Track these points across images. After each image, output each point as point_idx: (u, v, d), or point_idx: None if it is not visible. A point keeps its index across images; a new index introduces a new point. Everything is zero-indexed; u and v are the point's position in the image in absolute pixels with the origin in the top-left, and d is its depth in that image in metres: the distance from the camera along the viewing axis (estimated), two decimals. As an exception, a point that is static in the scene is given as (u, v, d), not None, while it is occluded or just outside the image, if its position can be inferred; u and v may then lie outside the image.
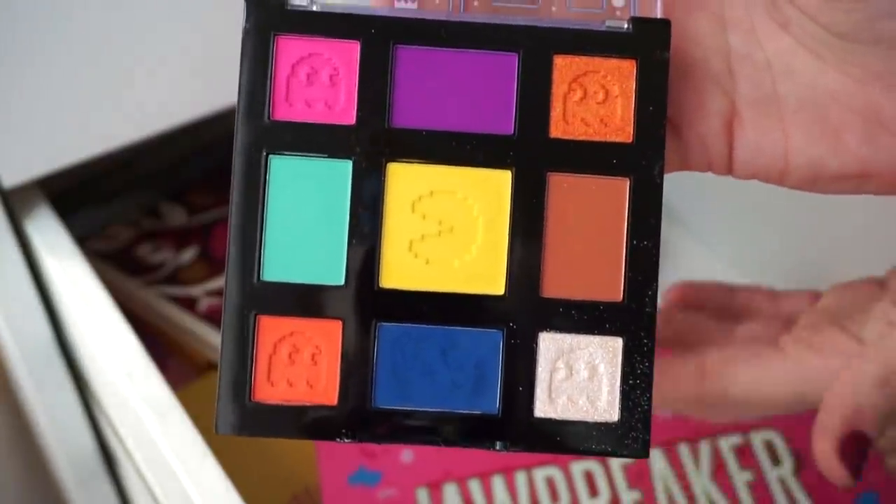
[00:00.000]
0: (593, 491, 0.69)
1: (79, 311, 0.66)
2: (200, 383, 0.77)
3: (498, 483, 0.69)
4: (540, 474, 0.69)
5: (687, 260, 0.88)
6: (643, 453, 0.42)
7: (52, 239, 0.69)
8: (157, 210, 0.88)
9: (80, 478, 0.83)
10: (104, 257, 0.83)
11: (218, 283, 0.82)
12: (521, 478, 0.69)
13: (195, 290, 0.82)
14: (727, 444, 0.71)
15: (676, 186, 0.85)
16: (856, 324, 0.55)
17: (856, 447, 0.51)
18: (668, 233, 0.87)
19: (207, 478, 0.57)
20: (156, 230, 0.86)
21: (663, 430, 0.72)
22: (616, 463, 0.70)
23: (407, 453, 0.70)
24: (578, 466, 0.70)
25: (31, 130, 0.64)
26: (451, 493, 0.68)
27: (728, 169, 0.44)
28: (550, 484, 0.69)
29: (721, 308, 0.63)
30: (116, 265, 0.83)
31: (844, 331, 0.54)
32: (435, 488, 0.68)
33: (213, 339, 0.78)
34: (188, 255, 0.84)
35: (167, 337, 0.80)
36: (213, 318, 0.79)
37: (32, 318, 0.73)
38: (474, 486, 0.69)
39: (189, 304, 0.81)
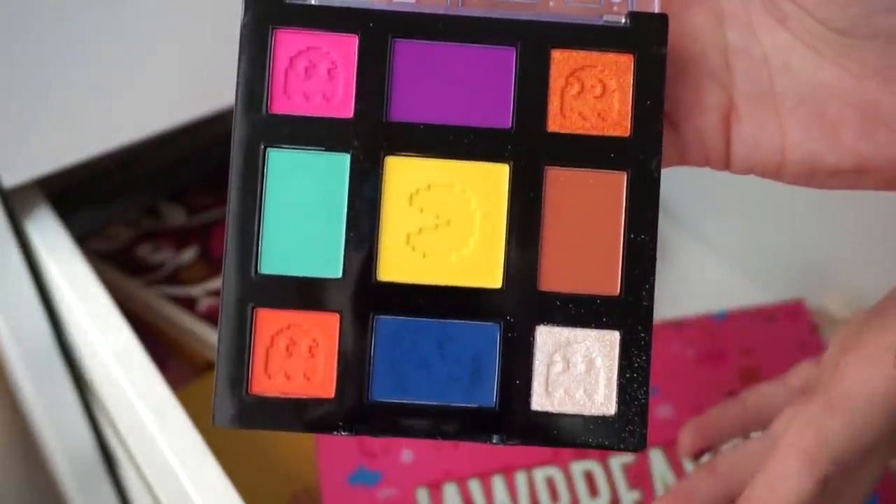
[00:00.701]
0: (593, 491, 0.69)
1: (79, 312, 0.66)
2: (200, 383, 0.77)
3: (498, 483, 0.69)
4: (540, 474, 0.69)
5: (686, 259, 0.88)
6: (640, 446, 0.42)
7: (52, 239, 0.69)
8: (157, 210, 0.88)
9: (80, 478, 0.83)
10: (104, 257, 0.83)
11: (217, 282, 0.82)
12: (521, 478, 0.69)
13: (195, 290, 0.82)
14: (727, 444, 0.71)
15: (677, 185, 0.86)
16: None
17: None
18: (668, 231, 0.87)
19: (207, 478, 0.57)
20: (156, 230, 0.86)
21: (663, 430, 0.72)
22: (616, 463, 0.70)
23: (407, 453, 0.70)
24: (578, 466, 0.70)
25: (31, 130, 0.64)
26: (451, 493, 0.68)
27: (725, 163, 0.44)
28: (550, 484, 0.69)
29: (739, 426, 0.61)
30: (116, 265, 0.83)
31: (890, 327, 0.52)
32: (435, 488, 0.68)
33: (212, 338, 0.78)
34: (188, 255, 0.84)
35: (167, 337, 0.80)
36: (212, 318, 0.80)
37: (32, 318, 0.73)
38: (474, 486, 0.69)
39: (189, 304, 0.81)
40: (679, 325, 0.77)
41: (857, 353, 0.50)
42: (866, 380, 0.49)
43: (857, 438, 0.49)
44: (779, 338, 0.78)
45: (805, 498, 0.48)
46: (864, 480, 0.51)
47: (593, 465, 0.70)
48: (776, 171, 0.43)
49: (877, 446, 0.50)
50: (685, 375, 0.75)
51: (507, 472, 0.69)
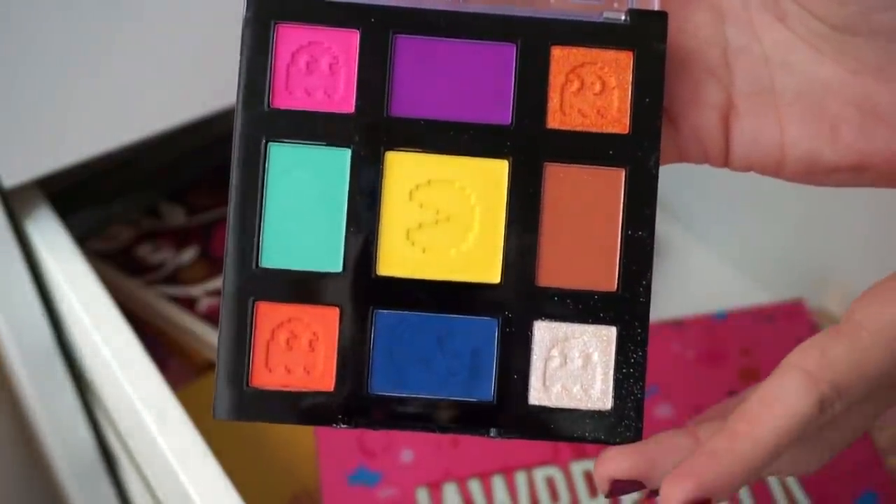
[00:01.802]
0: (593, 491, 0.69)
1: (79, 311, 0.66)
2: (200, 383, 0.77)
3: (498, 483, 0.69)
4: (540, 474, 0.69)
5: (686, 258, 0.88)
6: (636, 440, 0.42)
7: (52, 239, 0.69)
8: (157, 210, 0.88)
9: (80, 478, 0.83)
10: (104, 257, 0.83)
11: (218, 283, 0.82)
12: (521, 478, 0.69)
13: (195, 290, 0.82)
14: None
15: (678, 185, 0.86)
16: None
17: None
18: (669, 231, 0.87)
19: (207, 478, 0.57)
20: (156, 230, 0.86)
21: (662, 430, 0.72)
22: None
23: (407, 453, 0.70)
24: (578, 466, 0.70)
25: (31, 130, 0.64)
26: (451, 493, 0.68)
27: (724, 161, 0.44)
28: (550, 484, 0.69)
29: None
30: (116, 265, 0.83)
31: None
32: (435, 488, 0.68)
33: (212, 339, 0.78)
34: (188, 255, 0.84)
35: (167, 337, 0.80)
36: (213, 318, 0.80)
37: (32, 318, 0.73)
38: (474, 486, 0.69)
39: (189, 304, 0.81)
40: (679, 325, 0.77)
41: (866, 295, 0.48)
42: (876, 314, 0.46)
43: (862, 366, 0.46)
44: (779, 338, 0.78)
45: (802, 417, 0.45)
46: (858, 422, 0.49)
47: (593, 466, 0.70)
48: (775, 169, 0.44)
49: (878, 385, 0.47)
50: (685, 375, 0.75)
51: (507, 472, 0.69)
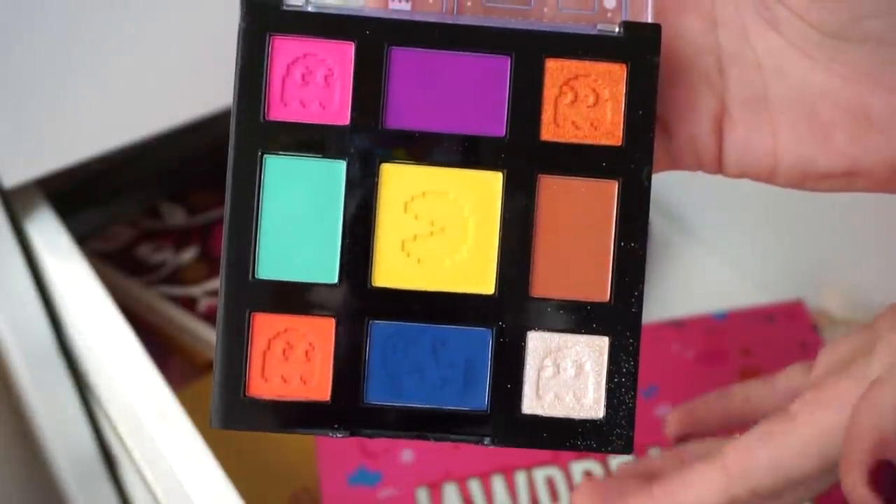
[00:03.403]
0: (593, 491, 0.69)
1: (79, 311, 0.66)
2: (200, 383, 0.77)
3: (498, 483, 0.69)
4: (540, 474, 0.70)
5: (688, 261, 0.88)
6: (627, 450, 0.42)
7: (52, 239, 0.69)
8: (157, 210, 0.88)
9: (80, 478, 0.83)
10: (104, 257, 0.84)
11: (218, 283, 0.82)
12: (520, 478, 0.69)
13: (195, 290, 0.82)
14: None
15: (678, 187, 0.86)
16: (860, 368, 0.52)
17: (886, 477, 0.49)
18: (670, 234, 0.88)
19: (207, 478, 0.58)
20: (156, 230, 0.87)
21: (663, 430, 0.72)
22: (616, 463, 0.70)
23: (407, 453, 0.70)
24: (578, 466, 0.70)
25: (31, 130, 0.64)
26: (451, 493, 0.68)
27: (718, 168, 0.44)
28: (550, 484, 0.69)
29: (724, 419, 0.61)
30: (116, 265, 0.83)
31: (850, 377, 0.50)
32: (435, 488, 0.69)
33: (212, 338, 0.78)
34: (188, 255, 0.84)
35: (167, 337, 0.81)
36: (212, 317, 0.80)
37: (32, 318, 0.73)
38: (474, 486, 0.69)
39: (189, 304, 0.81)
40: (679, 325, 0.77)
41: (815, 391, 0.51)
42: (812, 422, 0.50)
43: (781, 473, 0.50)
44: (779, 338, 0.78)
45: None
46: (790, 498, 0.52)
47: (593, 465, 0.70)
48: (768, 175, 0.44)
49: (804, 482, 0.50)
50: (685, 375, 0.75)
51: (507, 472, 0.69)
